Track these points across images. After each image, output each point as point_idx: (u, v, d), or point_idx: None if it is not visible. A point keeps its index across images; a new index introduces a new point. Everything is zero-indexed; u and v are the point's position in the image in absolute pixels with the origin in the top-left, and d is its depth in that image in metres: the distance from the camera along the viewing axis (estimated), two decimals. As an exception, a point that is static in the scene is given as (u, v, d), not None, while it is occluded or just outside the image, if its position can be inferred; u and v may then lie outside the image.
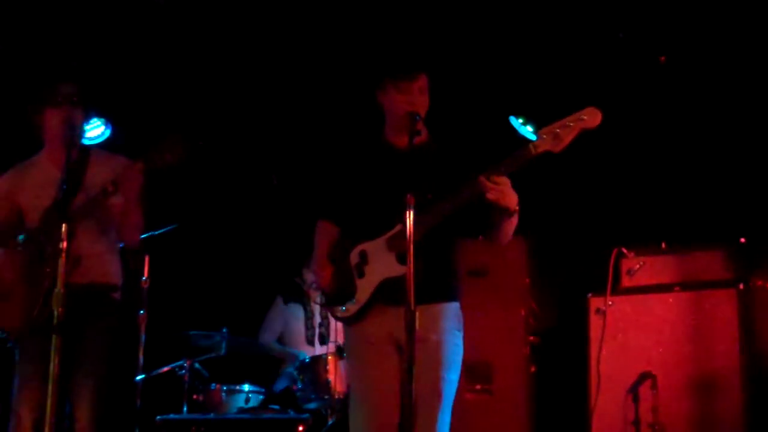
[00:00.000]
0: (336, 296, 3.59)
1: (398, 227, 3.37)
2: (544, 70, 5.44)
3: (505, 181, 3.26)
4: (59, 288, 3.20)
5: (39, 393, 3.70)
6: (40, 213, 3.84)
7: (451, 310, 3.53)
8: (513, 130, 5.53)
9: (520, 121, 5.71)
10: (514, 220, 3.40)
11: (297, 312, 6.20)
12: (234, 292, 6.38)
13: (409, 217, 3.07)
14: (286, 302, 6.27)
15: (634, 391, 4.65)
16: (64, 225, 3.23)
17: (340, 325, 5.92)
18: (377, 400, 3.46)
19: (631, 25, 5.18)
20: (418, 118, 3.38)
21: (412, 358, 2.99)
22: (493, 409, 5.15)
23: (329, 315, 6.08)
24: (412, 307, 3.01)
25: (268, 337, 6.17)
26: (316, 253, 3.72)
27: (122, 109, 5.85)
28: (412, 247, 3.05)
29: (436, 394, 3.39)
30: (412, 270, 3.02)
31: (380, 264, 3.45)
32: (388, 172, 3.48)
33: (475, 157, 3.47)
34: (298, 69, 5.72)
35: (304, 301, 6.20)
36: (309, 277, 6.00)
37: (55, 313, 3.18)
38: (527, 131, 5.71)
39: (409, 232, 3.06)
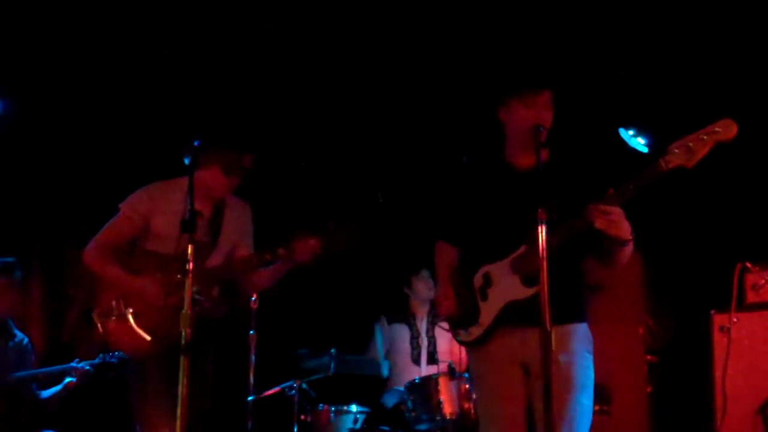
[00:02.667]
0: (459, 320, 3.52)
1: (522, 248, 3.31)
2: (667, 82, 5.25)
3: (616, 211, 3.15)
4: (186, 309, 3.21)
5: (172, 413, 3.72)
6: (179, 242, 3.82)
7: (581, 331, 3.45)
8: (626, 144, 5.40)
9: (631, 133, 5.58)
10: (628, 250, 3.29)
11: (402, 331, 6.16)
12: (341, 312, 6.35)
13: (542, 233, 2.97)
14: (390, 322, 6.24)
15: (763, 411, 4.45)
16: (190, 246, 3.23)
17: (447, 344, 5.99)
18: (505, 424, 3.38)
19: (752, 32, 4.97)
20: (542, 129, 3.29)
21: (549, 380, 2.89)
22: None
23: (436, 334, 6.07)
24: (549, 328, 2.91)
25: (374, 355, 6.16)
26: (438, 277, 3.68)
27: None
28: (545, 264, 2.94)
29: (568, 419, 3.28)
30: (546, 289, 2.92)
31: (505, 286, 3.37)
32: (511, 193, 3.40)
33: (600, 176, 3.37)
34: (410, 87, 5.66)
35: (408, 320, 6.17)
36: (419, 287, 5.98)
37: (183, 333, 3.19)
38: (638, 144, 5.58)
39: (542, 248, 2.96)
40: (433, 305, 6.10)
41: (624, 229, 3.20)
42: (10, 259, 4.87)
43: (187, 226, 3.24)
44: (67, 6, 4.90)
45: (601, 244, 3.28)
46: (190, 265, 3.22)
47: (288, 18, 5.04)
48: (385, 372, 6.11)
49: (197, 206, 3.86)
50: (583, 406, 3.33)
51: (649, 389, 5.20)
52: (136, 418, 3.85)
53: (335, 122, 5.94)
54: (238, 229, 4.06)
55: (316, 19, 5.03)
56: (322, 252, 3.87)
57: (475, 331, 3.44)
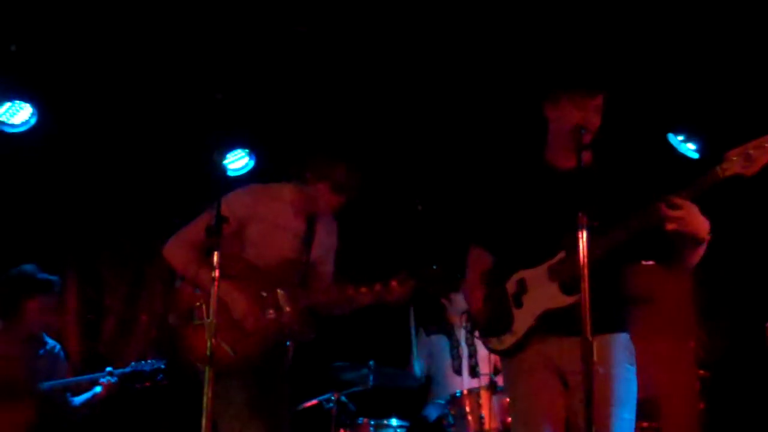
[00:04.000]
0: (491, 327, 3.39)
1: (561, 254, 3.16)
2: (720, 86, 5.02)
3: (688, 206, 2.93)
4: (212, 318, 3.09)
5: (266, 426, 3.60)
6: (274, 256, 3.72)
7: (621, 342, 3.28)
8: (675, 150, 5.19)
9: (680, 138, 5.37)
10: (701, 250, 3.07)
11: (441, 343, 6.03)
12: (380, 324, 6.22)
13: (583, 238, 2.81)
14: (428, 334, 6.11)
15: (823, 428, 4.25)
16: (216, 254, 3.11)
17: (488, 355, 5.82)
18: None
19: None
20: (585, 130, 3.13)
21: (591, 394, 2.72)
22: (662, 449, 4.81)
23: (476, 343, 5.91)
24: (589, 337, 2.75)
25: (419, 370, 6.02)
26: (467, 277, 3.53)
27: (265, 138, 5.88)
28: (586, 271, 2.78)
29: None
30: (588, 297, 2.77)
31: (541, 294, 3.22)
32: (551, 195, 3.26)
33: (646, 182, 3.20)
34: (447, 90, 5.53)
35: (447, 331, 6.03)
36: (456, 298, 5.84)
37: (209, 343, 3.07)
38: (688, 149, 5.37)
39: (584, 254, 2.79)
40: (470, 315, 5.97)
41: (702, 225, 2.97)
42: (53, 278, 4.83)
43: (212, 231, 3.11)
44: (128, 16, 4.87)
45: (672, 244, 3.05)
46: (216, 273, 3.09)
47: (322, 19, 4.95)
48: (418, 372, 5.94)
49: (298, 215, 3.82)
50: (624, 420, 3.16)
51: (701, 405, 5.01)
52: None
53: (371, 129, 5.82)
54: (326, 245, 3.90)
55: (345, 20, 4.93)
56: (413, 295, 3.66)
57: (509, 340, 3.31)
